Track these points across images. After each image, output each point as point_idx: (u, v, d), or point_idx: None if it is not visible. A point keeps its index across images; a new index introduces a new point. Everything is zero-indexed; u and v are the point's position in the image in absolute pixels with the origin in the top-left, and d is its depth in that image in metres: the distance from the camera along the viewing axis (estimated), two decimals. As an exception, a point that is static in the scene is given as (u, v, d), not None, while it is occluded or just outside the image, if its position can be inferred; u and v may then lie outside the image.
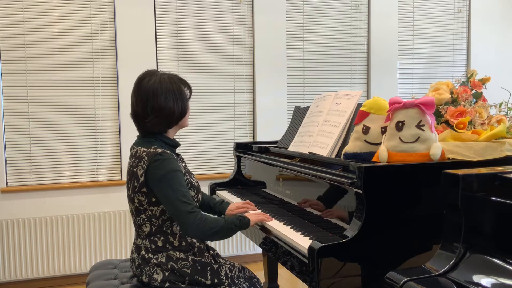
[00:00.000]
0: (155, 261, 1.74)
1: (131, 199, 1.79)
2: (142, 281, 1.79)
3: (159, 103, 1.74)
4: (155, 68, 3.48)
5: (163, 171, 1.68)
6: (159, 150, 1.71)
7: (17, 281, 3.27)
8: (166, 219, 1.76)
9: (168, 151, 1.74)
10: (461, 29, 4.27)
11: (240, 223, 1.81)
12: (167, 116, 1.76)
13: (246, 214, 1.90)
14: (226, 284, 1.77)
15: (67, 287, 3.33)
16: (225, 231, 1.76)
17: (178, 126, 1.85)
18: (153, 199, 1.73)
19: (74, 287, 3.32)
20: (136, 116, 1.79)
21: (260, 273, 3.28)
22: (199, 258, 1.78)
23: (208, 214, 1.75)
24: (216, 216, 1.79)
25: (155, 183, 1.69)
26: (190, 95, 1.86)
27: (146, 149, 1.73)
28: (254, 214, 1.93)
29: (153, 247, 1.76)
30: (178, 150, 1.96)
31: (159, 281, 1.71)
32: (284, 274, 3.45)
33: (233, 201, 2.36)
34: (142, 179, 1.70)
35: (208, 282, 1.74)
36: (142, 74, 1.81)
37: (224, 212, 2.14)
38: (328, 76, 3.94)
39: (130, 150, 1.83)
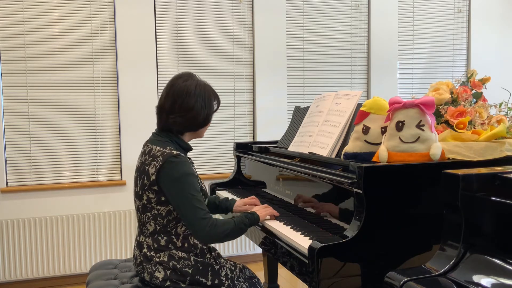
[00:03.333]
0: (157, 259, 1.74)
1: (139, 196, 1.78)
2: (143, 279, 1.79)
3: (188, 104, 1.77)
4: (155, 67, 3.48)
5: (178, 174, 1.69)
6: (175, 152, 1.72)
7: (17, 281, 3.27)
8: (171, 219, 1.76)
9: (183, 154, 1.76)
10: (461, 29, 4.27)
11: (250, 221, 1.83)
12: (191, 118, 1.79)
13: (254, 209, 1.92)
14: (226, 285, 1.77)
15: (67, 287, 3.33)
16: (236, 232, 1.77)
17: (195, 134, 1.89)
18: (163, 198, 1.73)
19: (74, 287, 3.32)
20: (161, 109, 1.81)
21: (260, 273, 3.28)
22: (200, 259, 1.79)
23: (217, 218, 1.75)
24: (225, 218, 1.79)
25: (168, 185, 1.70)
26: (217, 109, 1.92)
27: (161, 149, 1.74)
28: (262, 208, 1.94)
29: (156, 245, 1.76)
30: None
31: (160, 279, 1.72)
32: (284, 274, 3.45)
33: (233, 201, 2.36)
34: (153, 177, 1.71)
35: (209, 283, 1.75)
36: (180, 73, 1.87)
37: (231, 209, 2.16)
38: (328, 76, 3.94)
39: (143, 147, 1.83)
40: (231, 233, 1.75)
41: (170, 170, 1.69)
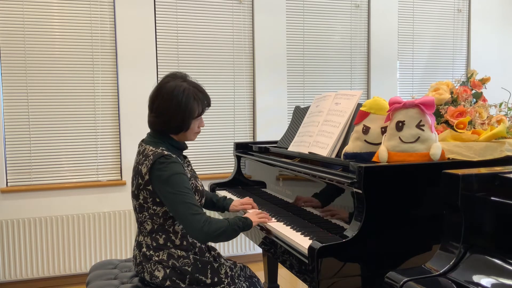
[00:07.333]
0: (156, 258, 1.74)
1: (135, 196, 1.79)
2: (143, 279, 1.79)
3: (163, 107, 1.75)
4: (155, 67, 3.48)
5: (167, 174, 1.68)
6: (165, 152, 1.72)
7: (17, 281, 3.27)
8: (168, 218, 1.76)
9: (174, 155, 1.74)
10: (461, 29, 4.27)
11: (243, 225, 1.80)
12: (164, 122, 1.77)
13: (246, 215, 1.90)
14: (225, 283, 1.77)
15: (67, 287, 3.33)
16: (229, 233, 1.75)
17: (179, 136, 1.83)
18: (157, 200, 1.73)
19: (74, 287, 3.32)
20: (149, 106, 1.81)
21: (260, 273, 3.27)
22: (200, 257, 1.79)
23: (212, 217, 1.73)
24: (220, 218, 1.79)
25: (159, 186, 1.69)
26: (202, 111, 1.82)
27: (153, 149, 1.74)
28: (255, 215, 1.92)
29: (154, 244, 1.76)
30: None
31: (160, 278, 1.72)
32: (284, 274, 3.45)
33: (233, 201, 2.36)
34: (146, 177, 1.71)
35: (208, 281, 1.75)
36: (170, 73, 1.83)
37: (228, 208, 2.17)
38: (328, 76, 3.94)
39: (138, 146, 1.84)
40: (225, 233, 1.72)
41: (160, 171, 1.68)
